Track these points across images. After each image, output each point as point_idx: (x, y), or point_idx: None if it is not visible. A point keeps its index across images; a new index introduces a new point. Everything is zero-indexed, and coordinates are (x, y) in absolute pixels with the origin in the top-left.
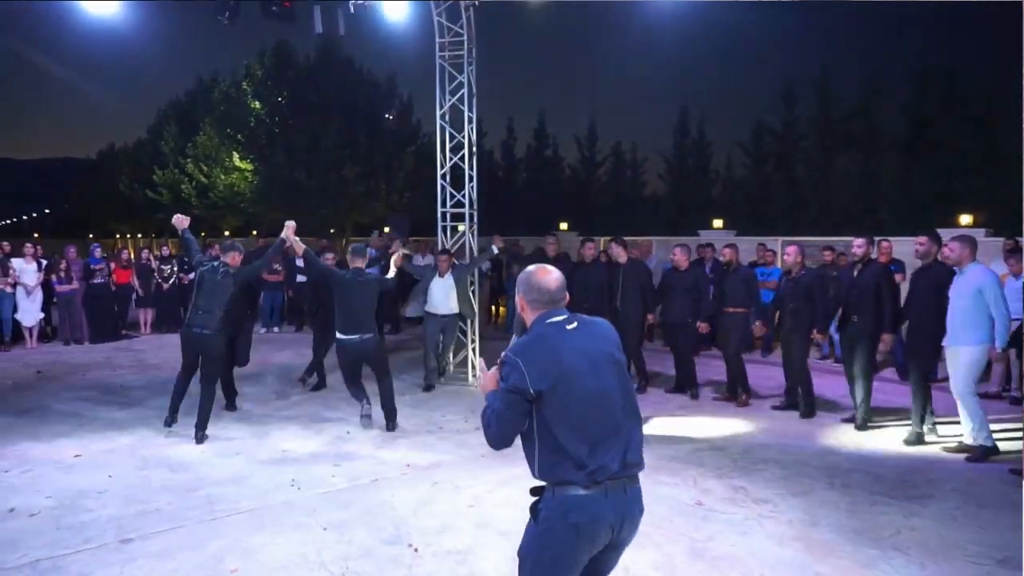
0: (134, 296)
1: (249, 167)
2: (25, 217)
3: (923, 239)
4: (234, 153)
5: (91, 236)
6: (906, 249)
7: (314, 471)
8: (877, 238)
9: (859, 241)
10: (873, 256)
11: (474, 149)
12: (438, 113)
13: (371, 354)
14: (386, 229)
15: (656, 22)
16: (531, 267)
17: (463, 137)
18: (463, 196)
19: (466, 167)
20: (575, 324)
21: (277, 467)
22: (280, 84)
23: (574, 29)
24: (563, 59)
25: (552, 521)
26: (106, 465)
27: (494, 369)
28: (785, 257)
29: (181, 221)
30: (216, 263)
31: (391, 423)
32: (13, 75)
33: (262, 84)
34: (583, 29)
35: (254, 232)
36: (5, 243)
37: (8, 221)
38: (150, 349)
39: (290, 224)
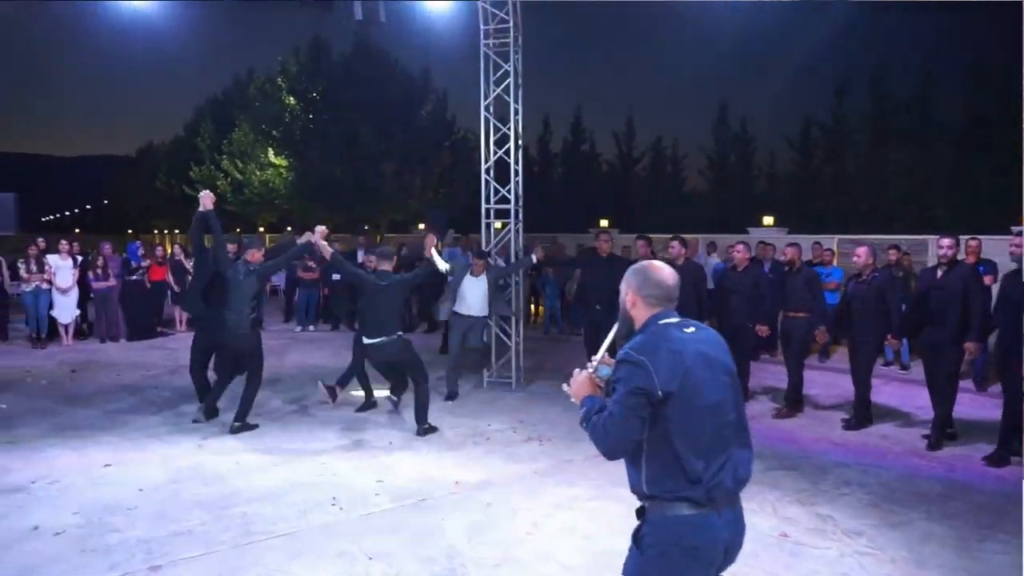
0: (169, 293)
1: (284, 163)
2: (68, 213)
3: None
4: (269, 149)
5: (130, 232)
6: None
7: (356, 487)
8: (964, 236)
9: (947, 241)
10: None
11: (520, 142)
12: (482, 104)
13: (397, 356)
14: (420, 226)
15: (698, 15)
16: (644, 262)
17: (508, 129)
18: (508, 191)
19: (511, 161)
20: (692, 328)
21: (316, 482)
22: (315, 79)
23: (611, 19)
24: (599, 51)
25: (665, 547)
26: (137, 477)
27: (585, 372)
28: (855, 259)
29: (208, 199)
30: (239, 263)
31: (420, 426)
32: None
33: (297, 80)
34: (620, 20)
35: (289, 228)
36: (40, 240)
37: (51, 217)
38: (184, 348)
39: (320, 229)
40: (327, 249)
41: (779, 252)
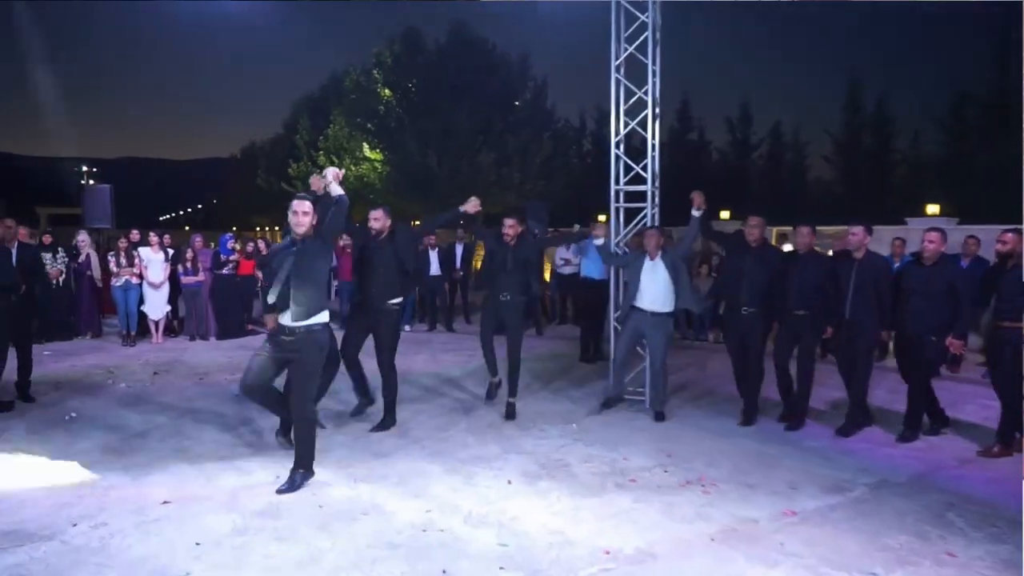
0: (259, 288)
1: (379, 157)
2: (182, 212)
3: None
4: (364, 144)
5: (234, 229)
6: None
7: (473, 552)
8: None
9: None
10: None
11: (657, 110)
12: (612, 65)
13: (505, 312)
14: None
15: None
16: None
17: (645, 94)
18: (643, 169)
19: (648, 134)
20: None
21: (420, 544)
22: (410, 70)
23: None
24: (708, 31)
25: None
26: (196, 522)
27: None
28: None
29: (337, 175)
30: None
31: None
32: (171, 78)
33: (391, 71)
34: None
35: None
36: (134, 232)
37: (167, 216)
38: None
39: (474, 201)
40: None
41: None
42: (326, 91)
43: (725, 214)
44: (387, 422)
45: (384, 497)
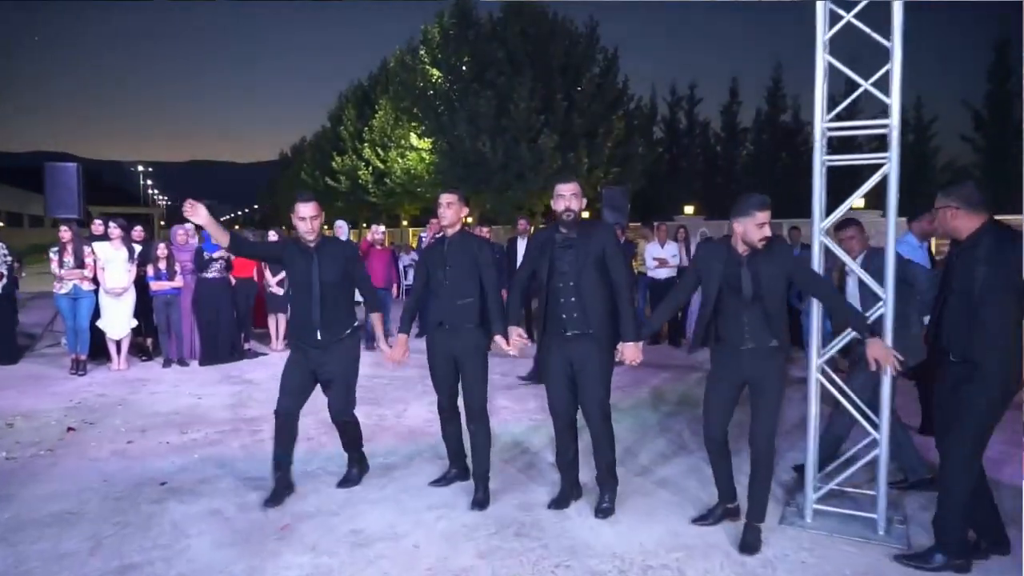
0: (268, 294)
1: (426, 145)
2: (240, 214)
3: None
4: (411, 133)
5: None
6: None
7: None
8: None
9: None
10: None
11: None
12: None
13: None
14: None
15: None
16: None
17: (890, 43)
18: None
19: (893, 86)
20: None
21: None
22: (461, 44)
23: None
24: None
25: None
26: None
27: None
28: None
29: None
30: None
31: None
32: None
33: (440, 48)
34: None
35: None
36: (97, 221)
37: (226, 218)
38: (270, 382)
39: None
40: None
41: None
42: (374, 80)
43: (859, 202)
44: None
45: None
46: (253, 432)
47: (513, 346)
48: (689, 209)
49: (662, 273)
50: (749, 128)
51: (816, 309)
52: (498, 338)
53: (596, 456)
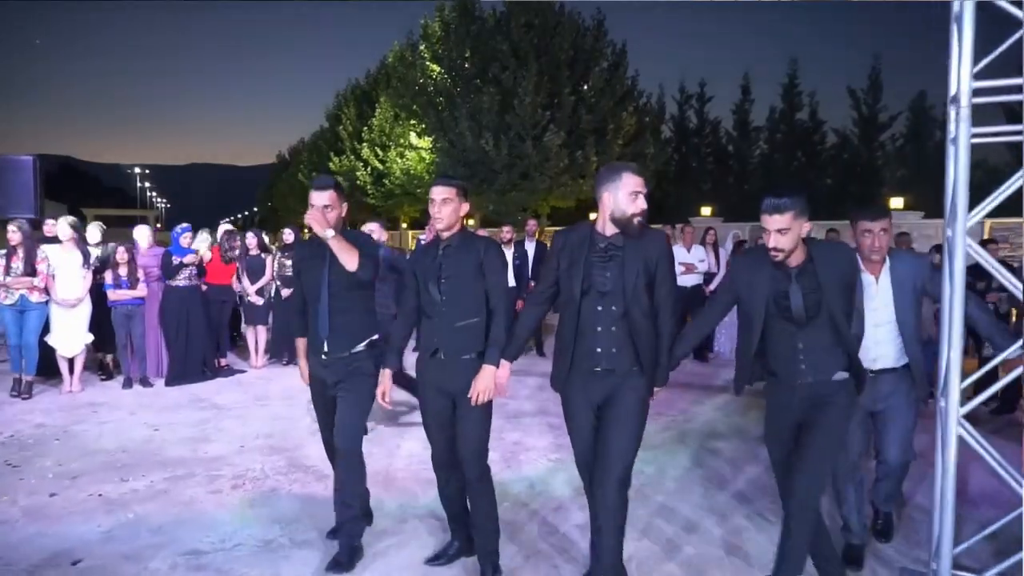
0: (242, 306)
1: (426, 144)
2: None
3: None
4: (410, 132)
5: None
6: None
7: None
8: None
9: None
10: None
11: None
12: None
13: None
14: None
15: None
16: None
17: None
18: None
19: None
20: None
21: None
22: (462, 38)
23: None
24: None
25: None
26: None
27: None
28: None
29: None
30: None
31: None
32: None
33: (441, 43)
34: None
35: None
36: (49, 221)
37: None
38: (242, 408)
39: None
40: None
41: None
42: (374, 79)
43: (897, 202)
44: None
45: None
46: (210, 479)
47: (500, 391)
48: (706, 211)
49: (688, 280)
50: (762, 127)
51: (947, 337)
52: (498, 371)
53: (599, 544)
